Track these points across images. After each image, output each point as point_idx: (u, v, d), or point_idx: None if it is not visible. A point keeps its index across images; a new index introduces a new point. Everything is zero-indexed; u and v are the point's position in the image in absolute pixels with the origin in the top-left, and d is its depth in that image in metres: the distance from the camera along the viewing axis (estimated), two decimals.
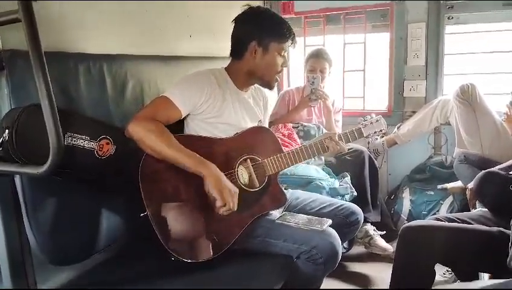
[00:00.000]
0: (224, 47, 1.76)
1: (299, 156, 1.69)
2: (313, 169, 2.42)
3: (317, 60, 2.81)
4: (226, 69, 1.76)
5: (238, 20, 1.71)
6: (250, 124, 1.75)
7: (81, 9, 1.49)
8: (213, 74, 1.68)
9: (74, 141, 1.26)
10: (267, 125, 1.97)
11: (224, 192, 1.44)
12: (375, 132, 1.81)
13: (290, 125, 2.69)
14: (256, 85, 1.86)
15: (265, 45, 1.66)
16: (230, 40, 1.73)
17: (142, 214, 1.41)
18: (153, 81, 1.75)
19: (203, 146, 1.53)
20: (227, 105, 1.67)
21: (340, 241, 1.59)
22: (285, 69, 2.37)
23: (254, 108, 1.81)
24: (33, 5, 0.95)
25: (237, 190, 1.49)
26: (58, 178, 1.27)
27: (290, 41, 1.71)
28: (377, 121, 1.81)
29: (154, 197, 1.44)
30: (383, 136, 2.92)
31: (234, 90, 1.73)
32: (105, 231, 1.51)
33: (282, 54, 1.71)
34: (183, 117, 1.60)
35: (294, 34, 1.72)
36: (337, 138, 1.73)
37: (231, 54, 1.75)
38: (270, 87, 1.80)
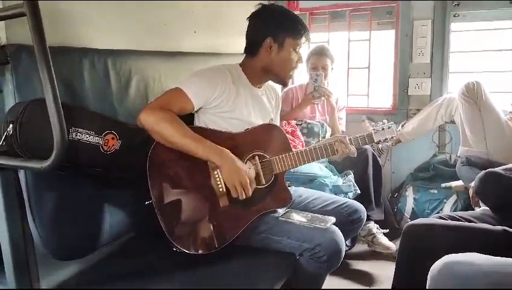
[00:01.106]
0: (229, 43, 1.76)
1: (307, 157, 1.68)
2: (316, 167, 2.41)
3: (319, 58, 2.80)
4: (241, 65, 1.77)
5: (253, 17, 1.72)
6: (261, 121, 1.75)
7: (86, 5, 1.48)
8: (228, 69, 1.68)
9: (79, 135, 1.26)
10: (278, 124, 1.98)
11: (237, 185, 1.50)
12: (386, 139, 1.80)
13: (293, 122, 2.69)
14: (269, 83, 1.87)
15: (280, 41, 1.67)
16: (234, 35, 1.74)
17: (147, 202, 1.43)
18: (157, 76, 1.74)
19: (212, 139, 1.53)
20: (240, 101, 1.67)
21: (343, 240, 1.59)
22: None
23: (267, 105, 1.82)
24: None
25: (252, 177, 1.54)
26: (62, 173, 1.27)
27: (304, 38, 1.71)
28: (389, 127, 1.80)
29: (160, 187, 1.46)
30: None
31: (248, 87, 1.73)
32: (109, 226, 1.51)
33: (297, 50, 1.71)
34: (195, 110, 1.60)
35: (308, 31, 1.73)
36: (347, 141, 1.72)
37: (246, 51, 1.76)
38: (285, 84, 1.82)
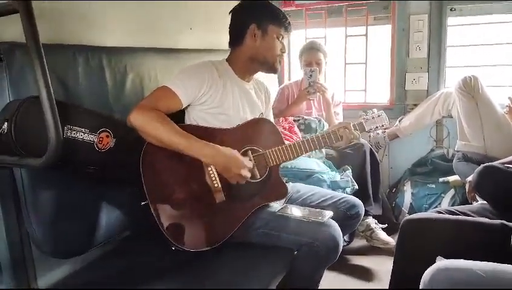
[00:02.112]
0: (225, 40, 1.75)
1: (300, 148, 1.68)
2: (313, 162, 2.41)
3: (311, 53, 2.80)
4: (227, 60, 1.77)
5: (235, 10, 1.75)
6: (250, 115, 1.74)
7: (80, 1, 1.48)
8: (214, 65, 1.69)
9: (74, 133, 1.25)
10: (271, 119, 1.97)
11: (231, 177, 1.51)
12: (376, 127, 1.79)
13: (290, 118, 2.68)
14: (257, 79, 1.88)
15: (264, 27, 1.69)
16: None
17: (143, 203, 1.42)
18: (152, 73, 1.74)
19: (204, 136, 1.52)
20: (228, 96, 1.67)
21: (341, 233, 1.58)
22: (285, 64, 2.34)
23: (256, 100, 1.81)
24: None
25: (243, 160, 1.52)
26: (57, 171, 1.26)
27: (284, 28, 1.73)
28: (379, 116, 1.79)
29: (154, 186, 1.45)
30: (384, 131, 2.91)
31: (235, 81, 1.73)
32: (105, 224, 1.51)
33: (280, 39, 1.73)
34: (183, 107, 1.60)
35: (289, 20, 1.75)
36: (351, 126, 1.72)
37: (230, 44, 1.77)
38: (275, 70, 1.80)
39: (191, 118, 1.66)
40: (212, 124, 1.63)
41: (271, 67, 1.76)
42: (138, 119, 1.44)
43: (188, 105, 1.62)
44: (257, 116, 1.78)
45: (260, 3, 1.75)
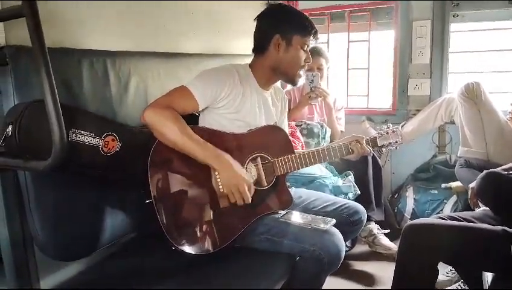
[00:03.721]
0: (228, 44, 1.76)
1: (310, 159, 1.68)
2: (316, 167, 2.40)
3: (313, 58, 2.79)
4: (250, 65, 1.76)
5: (261, 16, 1.72)
6: (265, 124, 1.73)
7: (84, 5, 1.48)
8: (236, 69, 1.67)
9: (79, 137, 1.26)
10: (286, 126, 1.97)
11: (234, 192, 1.48)
12: (390, 143, 1.78)
13: (293, 123, 2.68)
14: (276, 86, 1.87)
15: (288, 39, 1.66)
16: (234, 36, 1.74)
17: (147, 201, 1.42)
18: (156, 78, 1.74)
19: (214, 139, 1.52)
20: (246, 103, 1.66)
21: (343, 242, 1.58)
22: None
23: (271, 108, 1.80)
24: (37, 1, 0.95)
25: (251, 183, 1.52)
26: (60, 174, 1.27)
27: (312, 36, 1.70)
28: (393, 131, 1.78)
29: (161, 185, 1.45)
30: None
31: (255, 88, 1.72)
32: (108, 227, 1.51)
33: (305, 48, 1.70)
34: (200, 110, 1.59)
35: (316, 29, 1.71)
36: (364, 141, 1.72)
37: (254, 50, 1.75)
38: (294, 83, 1.79)
39: (205, 121, 1.64)
40: (227, 129, 1.61)
41: (291, 79, 1.76)
42: (151, 117, 1.44)
43: (205, 108, 1.61)
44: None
45: (287, 12, 1.71)
